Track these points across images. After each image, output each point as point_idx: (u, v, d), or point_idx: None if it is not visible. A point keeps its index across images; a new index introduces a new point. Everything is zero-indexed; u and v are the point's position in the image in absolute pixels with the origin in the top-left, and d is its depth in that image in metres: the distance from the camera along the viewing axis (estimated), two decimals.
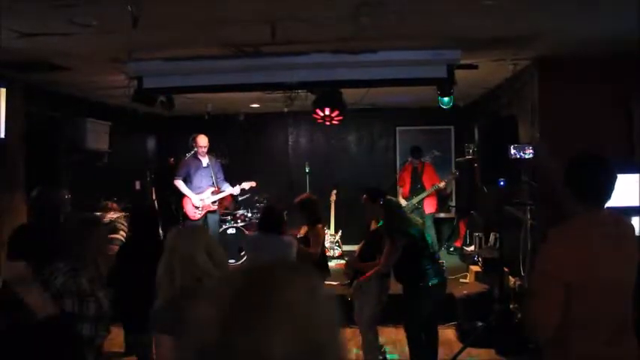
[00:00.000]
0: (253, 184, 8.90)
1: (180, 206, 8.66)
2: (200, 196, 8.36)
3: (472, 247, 8.98)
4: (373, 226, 5.48)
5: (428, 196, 9.31)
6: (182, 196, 8.45)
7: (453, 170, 10.38)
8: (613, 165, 2.57)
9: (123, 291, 4.03)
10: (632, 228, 2.73)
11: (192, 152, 8.54)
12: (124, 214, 7.64)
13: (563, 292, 2.45)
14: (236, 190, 8.70)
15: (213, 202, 8.46)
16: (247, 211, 9.91)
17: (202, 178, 8.47)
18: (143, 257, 3.78)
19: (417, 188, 9.35)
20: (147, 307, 2.79)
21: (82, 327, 3.23)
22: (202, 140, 8.43)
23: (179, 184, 8.38)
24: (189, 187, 8.37)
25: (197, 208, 8.34)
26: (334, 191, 9.89)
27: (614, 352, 2.48)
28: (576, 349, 2.49)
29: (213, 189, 8.45)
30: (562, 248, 2.53)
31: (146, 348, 4.02)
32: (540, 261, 2.73)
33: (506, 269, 6.68)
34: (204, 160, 8.51)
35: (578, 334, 2.48)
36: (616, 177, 2.55)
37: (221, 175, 8.69)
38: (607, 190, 2.55)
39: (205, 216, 8.44)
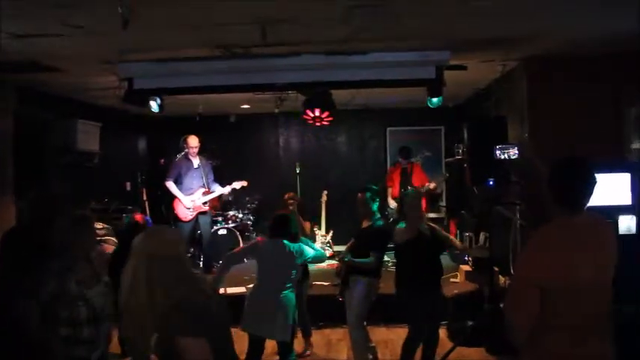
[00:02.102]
0: (244, 183, 8.89)
1: (171, 208, 8.64)
2: (191, 197, 8.35)
3: None
4: (364, 224, 5.49)
5: None
6: (173, 197, 8.43)
7: (444, 172, 10.43)
8: (591, 169, 2.58)
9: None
10: (611, 230, 2.73)
11: (183, 153, 8.53)
12: (104, 225, 7.31)
13: (538, 295, 2.47)
14: (227, 190, 8.70)
15: (204, 203, 8.45)
16: (238, 212, 9.90)
17: (193, 180, 8.45)
18: None
19: (407, 189, 9.34)
20: None
21: (75, 332, 3.16)
22: (193, 141, 8.41)
23: (170, 185, 8.36)
24: (180, 189, 8.35)
25: (188, 209, 8.33)
26: (325, 192, 9.90)
27: (589, 354, 2.51)
28: (551, 350, 2.51)
29: (204, 190, 8.44)
30: (537, 251, 2.56)
31: (143, 353, 3.97)
32: (517, 264, 2.75)
33: (496, 268, 6.73)
34: (195, 161, 8.50)
35: (553, 335, 2.50)
36: (594, 181, 2.56)
37: (211, 176, 8.68)
38: (583, 194, 2.57)
39: (197, 217, 8.44)
